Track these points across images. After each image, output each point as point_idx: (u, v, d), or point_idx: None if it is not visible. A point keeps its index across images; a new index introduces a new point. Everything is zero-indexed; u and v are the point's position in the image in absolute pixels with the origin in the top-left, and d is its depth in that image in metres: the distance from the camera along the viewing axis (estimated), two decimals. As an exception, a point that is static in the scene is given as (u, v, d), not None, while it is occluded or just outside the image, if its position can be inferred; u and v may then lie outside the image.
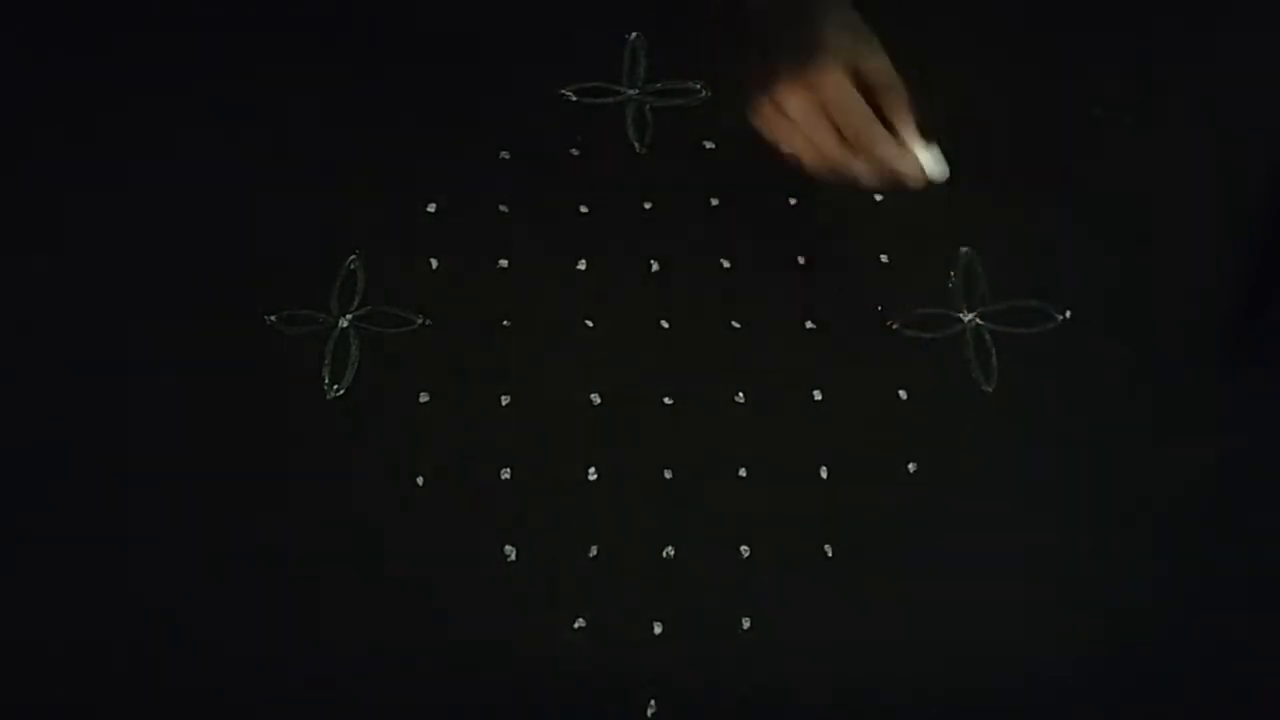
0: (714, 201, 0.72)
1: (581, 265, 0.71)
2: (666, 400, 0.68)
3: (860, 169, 0.56)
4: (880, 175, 0.56)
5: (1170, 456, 0.66)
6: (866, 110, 0.55)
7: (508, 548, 0.65)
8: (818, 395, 0.68)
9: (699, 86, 0.75)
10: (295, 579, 0.65)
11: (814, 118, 0.55)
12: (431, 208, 0.72)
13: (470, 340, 0.70)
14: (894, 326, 0.69)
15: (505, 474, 0.67)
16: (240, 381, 0.69)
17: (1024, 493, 0.66)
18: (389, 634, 0.64)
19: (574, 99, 0.75)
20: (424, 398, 0.68)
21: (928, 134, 0.57)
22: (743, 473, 0.67)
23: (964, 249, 0.71)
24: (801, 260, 0.71)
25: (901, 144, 0.56)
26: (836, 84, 0.55)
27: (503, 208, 0.72)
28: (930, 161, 0.57)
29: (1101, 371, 0.68)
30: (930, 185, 0.57)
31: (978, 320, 0.69)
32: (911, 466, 0.66)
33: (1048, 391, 0.68)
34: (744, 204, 0.72)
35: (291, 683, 0.63)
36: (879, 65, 0.56)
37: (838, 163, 0.56)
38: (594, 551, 0.65)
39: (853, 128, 0.55)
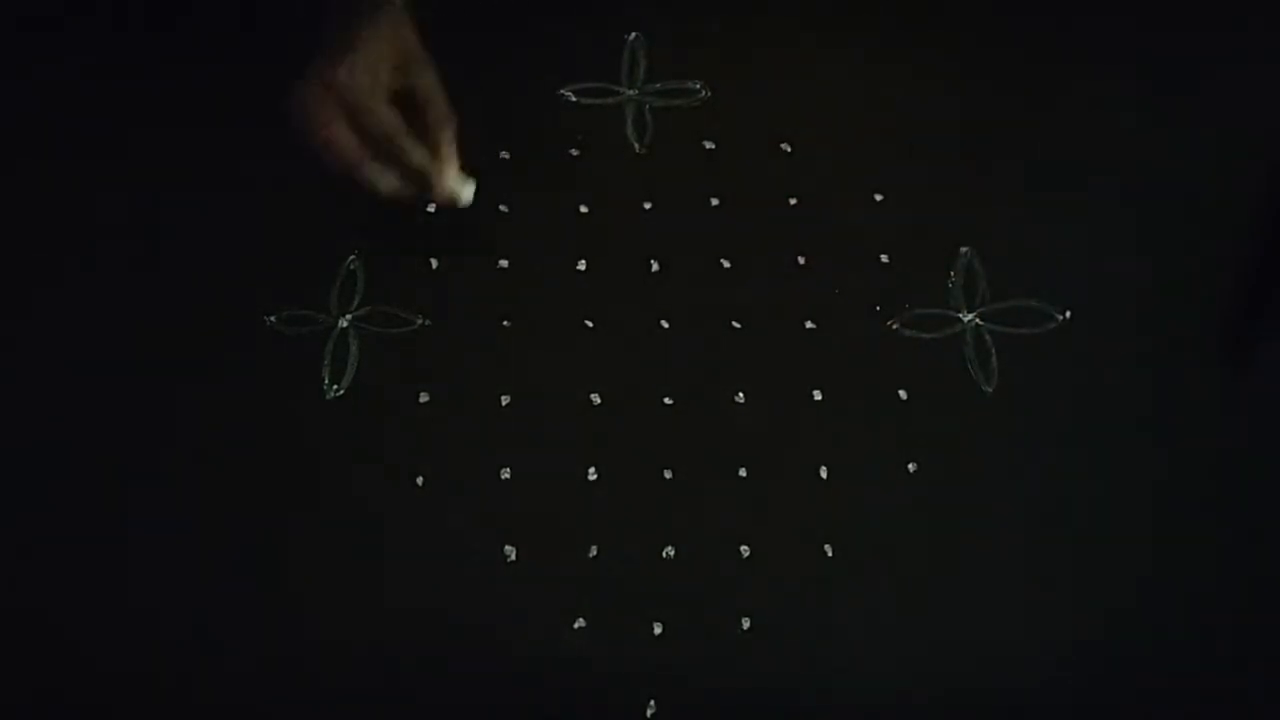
0: (714, 201, 0.72)
1: (581, 265, 0.71)
2: (666, 400, 0.68)
3: (376, 174, 0.58)
4: (398, 186, 0.59)
5: (1170, 456, 0.66)
6: (394, 120, 0.57)
7: (508, 548, 0.65)
8: (818, 395, 0.68)
9: (699, 86, 0.75)
10: (294, 579, 0.65)
11: (331, 116, 0.56)
12: (431, 208, 0.72)
13: (470, 340, 0.70)
14: (894, 326, 0.69)
15: (505, 474, 0.67)
16: (240, 381, 0.69)
17: (1024, 493, 0.66)
18: (388, 634, 0.64)
19: (574, 99, 0.75)
20: (424, 398, 0.68)
21: (466, 168, 0.61)
22: (743, 473, 0.67)
23: (964, 249, 0.71)
24: (801, 260, 0.71)
25: (435, 161, 0.59)
26: (362, 89, 0.56)
27: (503, 208, 0.72)
28: (460, 185, 0.60)
29: (1101, 371, 0.68)
30: (454, 204, 0.61)
31: (978, 320, 0.69)
32: (911, 466, 0.66)
33: (1048, 391, 0.68)
34: (744, 204, 0.72)
35: (291, 682, 0.63)
36: (428, 86, 0.59)
37: (352, 164, 0.58)
38: (594, 551, 0.65)
39: (375, 133, 0.57)
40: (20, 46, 0.77)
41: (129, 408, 0.68)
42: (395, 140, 0.58)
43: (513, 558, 0.65)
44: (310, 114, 0.56)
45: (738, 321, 0.70)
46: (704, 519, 0.66)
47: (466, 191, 0.61)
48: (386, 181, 0.59)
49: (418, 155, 0.59)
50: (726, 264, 0.71)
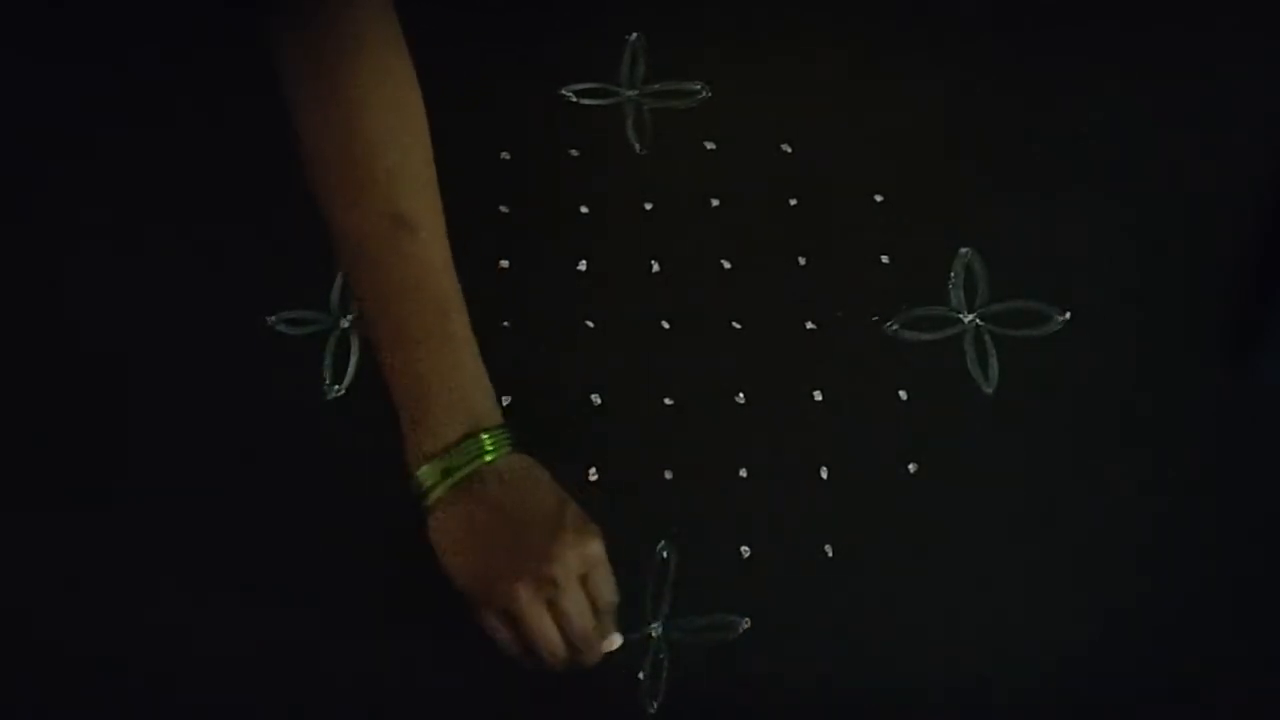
0: (714, 201, 0.72)
1: (582, 265, 0.71)
2: (667, 400, 0.68)
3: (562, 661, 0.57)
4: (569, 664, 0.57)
5: (1170, 456, 0.66)
6: (591, 626, 0.56)
7: (508, 548, 0.65)
8: (818, 395, 0.68)
9: (699, 87, 0.75)
10: (295, 579, 0.65)
11: (543, 614, 0.55)
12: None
13: (470, 340, 0.69)
14: (894, 327, 0.70)
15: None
16: (240, 381, 0.69)
17: (1024, 493, 0.66)
18: (389, 634, 0.64)
19: (574, 99, 0.75)
20: (424, 398, 0.68)
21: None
22: (743, 473, 0.67)
23: (964, 249, 0.71)
24: (801, 260, 0.71)
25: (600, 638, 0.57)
26: (572, 594, 0.55)
27: (503, 208, 0.72)
28: (610, 645, 0.59)
29: (1102, 372, 0.68)
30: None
31: (978, 321, 0.70)
32: (911, 466, 0.66)
33: (1048, 392, 0.68)
34: (744, 204, 0.72)
35: (291, 682, 0.63)
36: (605, 581, 0.57)
37: (554, 662, 0.56)
38: (594, 551, 0.65)
39: (573, 636, 0.56)
40: (20, 46, 0.77)
41: (129, 407, 0.68)
42: (591, 645, 0.57)
43: (513, 558, 0.65)
44: (525, 610, 0.55)
45: (738, 321, 0.70)
46: (704, 519, 0.66)
47: (614, 643, 0.59)
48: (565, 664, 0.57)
49: (599, 651, 0.58)
50: (726, 264, 0.71)
